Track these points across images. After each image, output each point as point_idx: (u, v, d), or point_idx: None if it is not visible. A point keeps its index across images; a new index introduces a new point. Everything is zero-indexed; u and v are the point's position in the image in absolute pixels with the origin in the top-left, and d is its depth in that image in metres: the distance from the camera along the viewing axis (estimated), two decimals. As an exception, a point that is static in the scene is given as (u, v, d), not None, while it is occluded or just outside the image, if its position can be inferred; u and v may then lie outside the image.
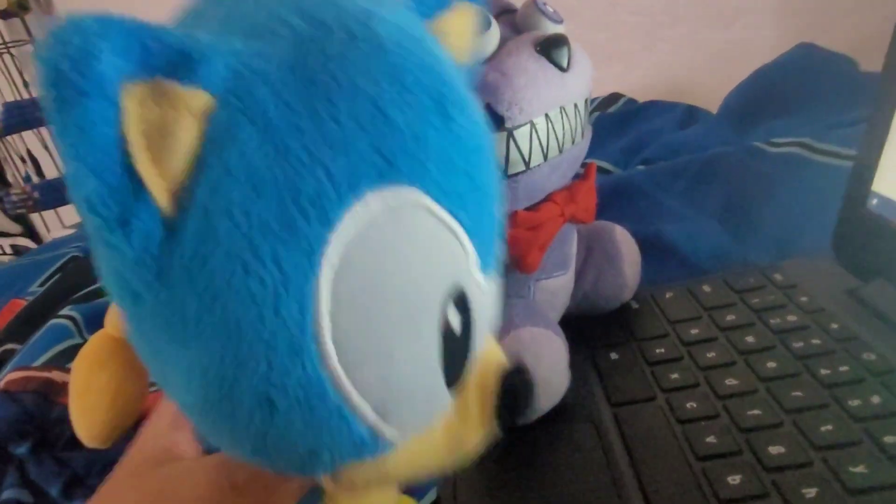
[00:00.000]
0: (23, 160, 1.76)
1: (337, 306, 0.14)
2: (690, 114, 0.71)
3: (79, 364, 0.28)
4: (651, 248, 0.44)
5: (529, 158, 0.29)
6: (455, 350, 0.17)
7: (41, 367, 0.51)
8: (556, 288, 0.35)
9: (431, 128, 0.15)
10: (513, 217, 0.31)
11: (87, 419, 0.27)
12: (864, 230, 0.37)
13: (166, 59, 0.12)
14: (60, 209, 1.69)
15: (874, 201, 0.36)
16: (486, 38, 0.28)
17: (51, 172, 1.71)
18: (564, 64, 0.29)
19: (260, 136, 0.13)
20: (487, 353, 0.19)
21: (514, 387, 0.18)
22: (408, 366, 0.15)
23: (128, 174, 0.13)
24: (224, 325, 0.14)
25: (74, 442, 0.41)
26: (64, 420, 0.44)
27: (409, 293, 0.15)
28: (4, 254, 1.85)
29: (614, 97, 0.79)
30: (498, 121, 0.28)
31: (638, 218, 0.41)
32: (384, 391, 0.15)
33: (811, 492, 0.25)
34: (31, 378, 0.48)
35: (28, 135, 1.62)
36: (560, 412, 0.32)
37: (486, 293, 0.17)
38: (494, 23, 0.29)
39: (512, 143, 0.28)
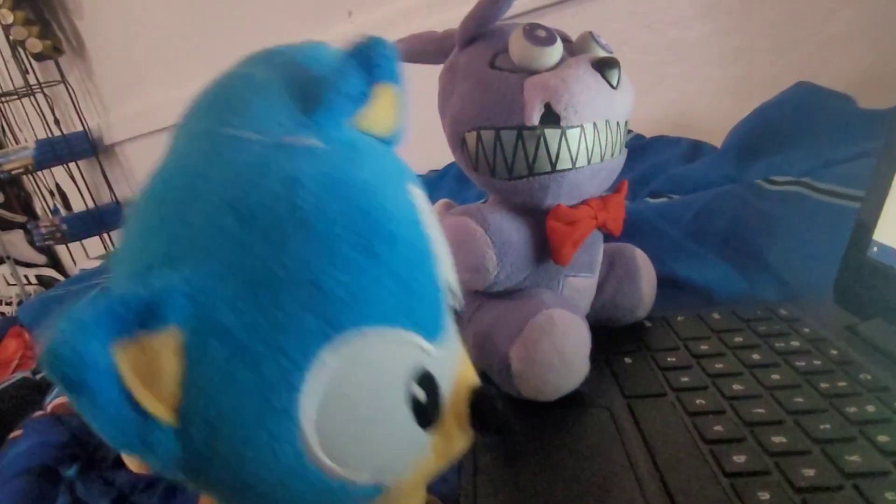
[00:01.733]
0: (52, 194, 1.82)
1: (320, 430, 0.18)
2: (695, 148, 0.75)
3: None
4: (664, 283, 0.47)
5: (576, 158, 0.33)
6: (427, 409, 0.20)
7: None
8: (581, 287, 0.38)
9: (362, 276, 0.18)
10: (554, 210, 0.34)
11: None
12: (865, 275, 0.41)
13: (136, 318, 0.15)
14: (86, 241, 1.73)
15: (875, 249, 0.40)
16: (552, 50, 0.33)
17: (78, 206, 1.76)
18: (615, 82, 0.33)
19: (224, 346, 0.17)
20: (459, 380, 0.22)
21: (482, 403, 0.22)
22: (390, 440, 0.20)
23: (137, 411, 0.16)
24: (244, 479, 0.18)
25: (118, 462, 0.44)
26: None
27: (372, 399, 0.19)
28: (30, 283, 1.88)
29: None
30: (555, 119, 0.32)
31: (649, 252, 0.44)
32: (377, 462, 0.20)
33: (810, 472, 0.27)
34: None
35: (57, 169, 1.68)
36: (578, 398, 0.35)
37: (442, 354, 0.21)
38: (559, 39, 0.33)
39: (563, 141, 0.32)
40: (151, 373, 0.16)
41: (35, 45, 1.47)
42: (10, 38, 1.48)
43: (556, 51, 0.33)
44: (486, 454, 0.32)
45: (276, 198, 0.17)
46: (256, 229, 0.17)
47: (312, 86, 0.20)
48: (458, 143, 0.36)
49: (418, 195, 0.22)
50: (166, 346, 0.16)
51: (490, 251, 0.34)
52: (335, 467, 0.18)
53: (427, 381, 0.20)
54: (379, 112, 0.21)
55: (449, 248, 0.23)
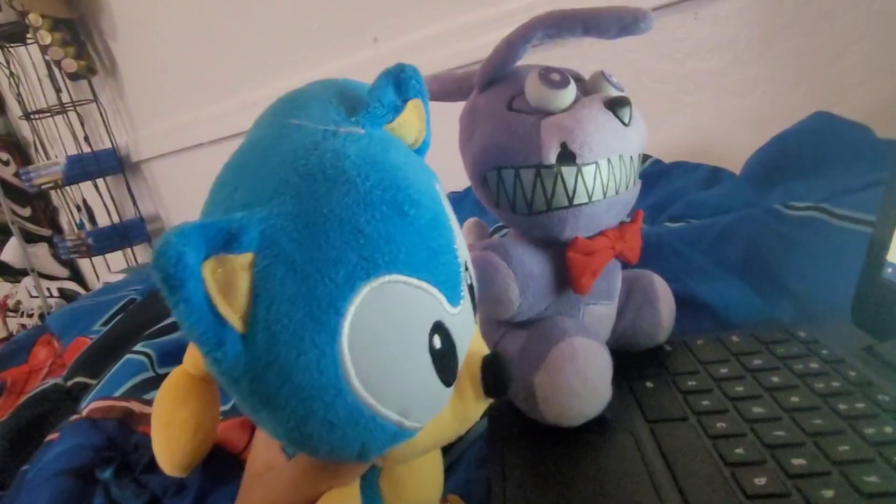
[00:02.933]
0: (78, 208, 1.88)
1: (356, 358, 0.21)
2: (714, 174, 0.75)
3: (161, 399, 0.33)
4: (683, 305, 0.48)
5: (592, 193, 0.35)
6: (445, 361, 0.24)
7: (120, 397, 0.56)
8: (601, 315, 0.39)
9: (394, 227, 0.22)
10: (573, 242, 0.36)
11: (170, 451, 0.31)
12: (881, 296, 0.41)
13: (222, 240, 0.20)
14: (108, 255, 1.78)
15: (889, 270, 0.41)
16: (566, 92, 0.35)
17: (103, 220, 1.81)
18: (626, 120, 0.35)
19: (286, 269, 0.21)
20: (472, 350, 0.26)
21: (493, 367, 0.26)
22: (413, 382, 0.23)
23: (216, 316, 0.20)
24: (292, 389, 0.21)
25: (151, 466, 0.46)
26: (142, 446, 0.49)
27: (400, 338, 0.22)
28: (52, 296, 1.93)
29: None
30: (570, 157, 0.34)
31: (669, 274, 0.45)
32: (401, 401, 0.23)
33: (830, 493, 0.28)
34: (113, 407, 0.54)
35: (84, 184, 1.73)
36: (601, 423, 0.36)
37: (459, 318, 0.25)
38: (573, 81, 0.35)
39: (579, 177, 0.34)
40: (228, 286, 0.20)
41: (70, 64, 1.55)
42: (47, 57, 1.55)
43: (570, 92, 0.35)
44: (514, 479, 0.34)
45: (328, 164, 0.22)
46: (312, 184, 0.22)
47: (357, 98, 0.26)
48: (479, 181, 0.37)
49: (441, 191, 0.27)
50: (241, 266, 0.20)
51: (513, 283, 0.35)
52: (366, 395, 0.22)
53: (446, 337, 0.24)
54: (409, 122, 0.26)
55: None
